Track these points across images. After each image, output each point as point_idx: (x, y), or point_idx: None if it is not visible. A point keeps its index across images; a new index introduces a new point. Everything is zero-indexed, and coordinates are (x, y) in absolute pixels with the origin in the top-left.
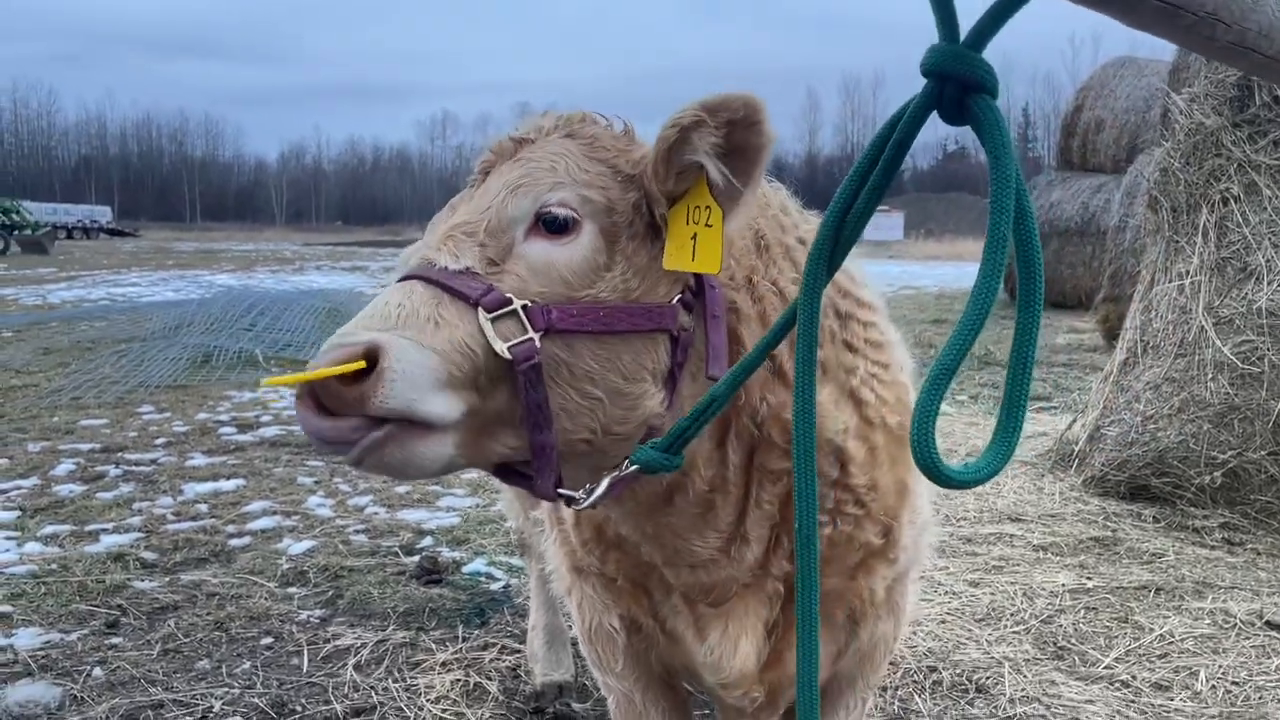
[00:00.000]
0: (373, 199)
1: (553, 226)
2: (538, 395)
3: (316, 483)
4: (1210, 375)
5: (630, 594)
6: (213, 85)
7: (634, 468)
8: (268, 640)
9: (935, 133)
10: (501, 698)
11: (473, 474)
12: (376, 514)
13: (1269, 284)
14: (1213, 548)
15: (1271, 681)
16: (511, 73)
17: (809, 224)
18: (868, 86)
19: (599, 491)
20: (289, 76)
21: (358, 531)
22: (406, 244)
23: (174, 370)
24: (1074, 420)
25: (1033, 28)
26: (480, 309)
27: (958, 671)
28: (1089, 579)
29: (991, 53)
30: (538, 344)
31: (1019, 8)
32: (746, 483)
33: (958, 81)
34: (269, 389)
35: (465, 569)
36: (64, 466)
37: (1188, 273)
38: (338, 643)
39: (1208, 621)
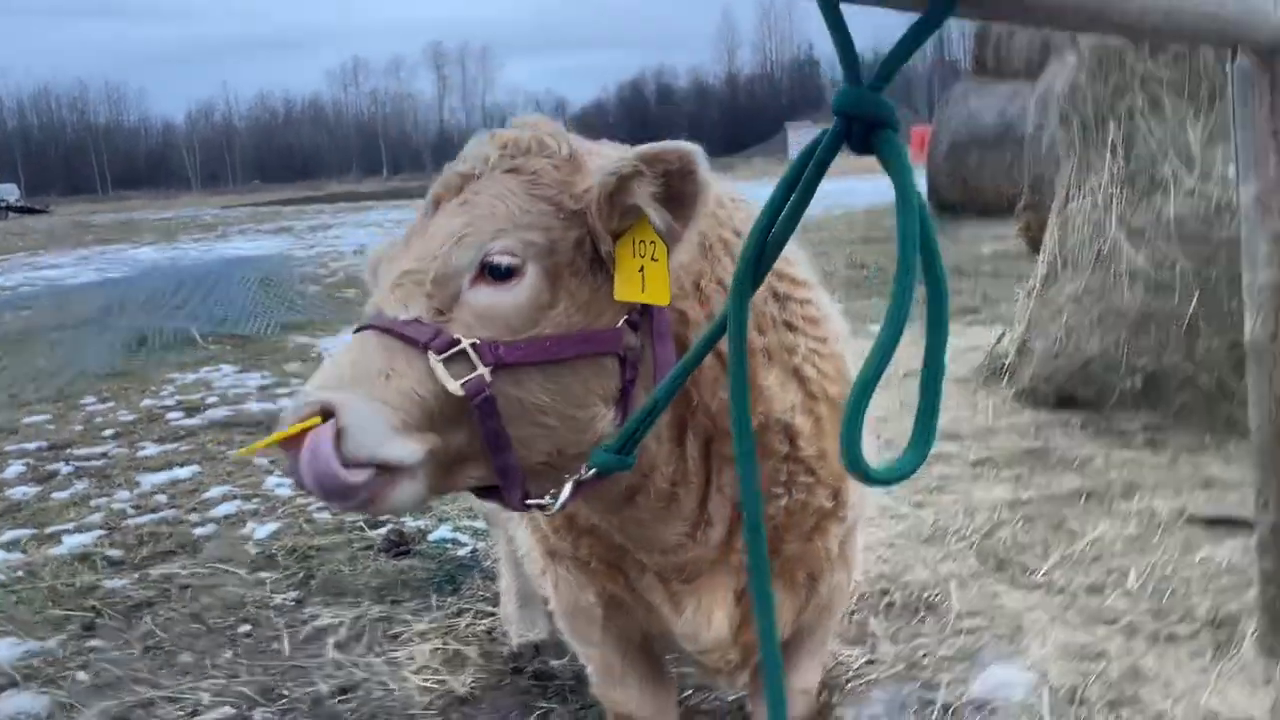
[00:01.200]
0: (289, 153)
1: (496, 273)
2: (494, 424)
3: (273, 462)
4: (1126, 285)
5: (605, 574)
6: (109, 48)
7: (591, 472)
8: (246, 628)
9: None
10: (481, 662)
11: None
12: None
13: (1176, 194)
14: (1137, 449)
15: (1196, 574)
16: (421, 11)
17: (741, 211)
18: (783, 3)
19: (564, 497)
20: (189, 32)
21: (320, 509)
22: (330, 200)
23: (111, 356)
24: (1003, 334)
25: None
26: (430, 352)
27: (908, 592)
28: (1024, 490)
29: None
30: (488, 378)
31: (912, 52)
32: (706, 471)
33: (863, 120)
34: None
35: (431, 537)
36: (13, 469)
37: (1100, 187)
38: (316, 624)
39: (1135, 522)
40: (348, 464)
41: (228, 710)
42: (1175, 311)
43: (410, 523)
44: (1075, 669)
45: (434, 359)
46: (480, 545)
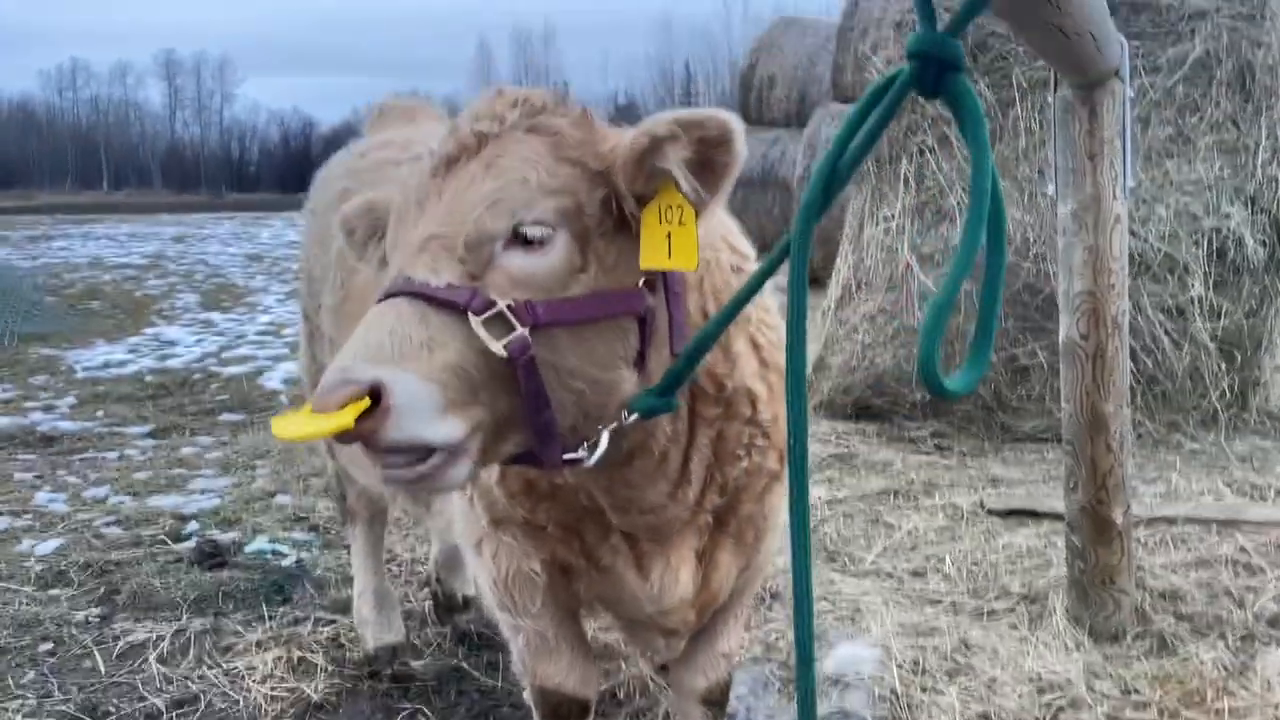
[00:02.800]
0: None
1: (528, 240)
2: (536, 383)
3: (38, 477)
4: (917, 305)
5: (560, 539)
6: None
7: (634, 416)
8: (47, 646)
9: (606, 85)
10: (331, 668)
11: (218, 453)
12: (122, 503)
13: (961, 223)
14: (928, 453)
15: (1002, 558)
16: (153, 15)
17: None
18: (539, 39)
19: (601, 447)
20: None
21: (108, 524)
22: (46, 210)
23: None
24: None
25: None
26: (470, 313)
27: None
28: (839, 490)
29: (652, 9)
30: (529, 337)
31: (987, 5)
32: (690, 431)
33: (937, 62)
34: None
35: (248, 549)
36: None
37: (893, 216)
38: (130, 639)
39: (941, 515)
40: (394, 448)
41: None
42: (960, 329)
43: (219, 535)
44: (913, 644)
45: (475, 320)
46: (305, 556)
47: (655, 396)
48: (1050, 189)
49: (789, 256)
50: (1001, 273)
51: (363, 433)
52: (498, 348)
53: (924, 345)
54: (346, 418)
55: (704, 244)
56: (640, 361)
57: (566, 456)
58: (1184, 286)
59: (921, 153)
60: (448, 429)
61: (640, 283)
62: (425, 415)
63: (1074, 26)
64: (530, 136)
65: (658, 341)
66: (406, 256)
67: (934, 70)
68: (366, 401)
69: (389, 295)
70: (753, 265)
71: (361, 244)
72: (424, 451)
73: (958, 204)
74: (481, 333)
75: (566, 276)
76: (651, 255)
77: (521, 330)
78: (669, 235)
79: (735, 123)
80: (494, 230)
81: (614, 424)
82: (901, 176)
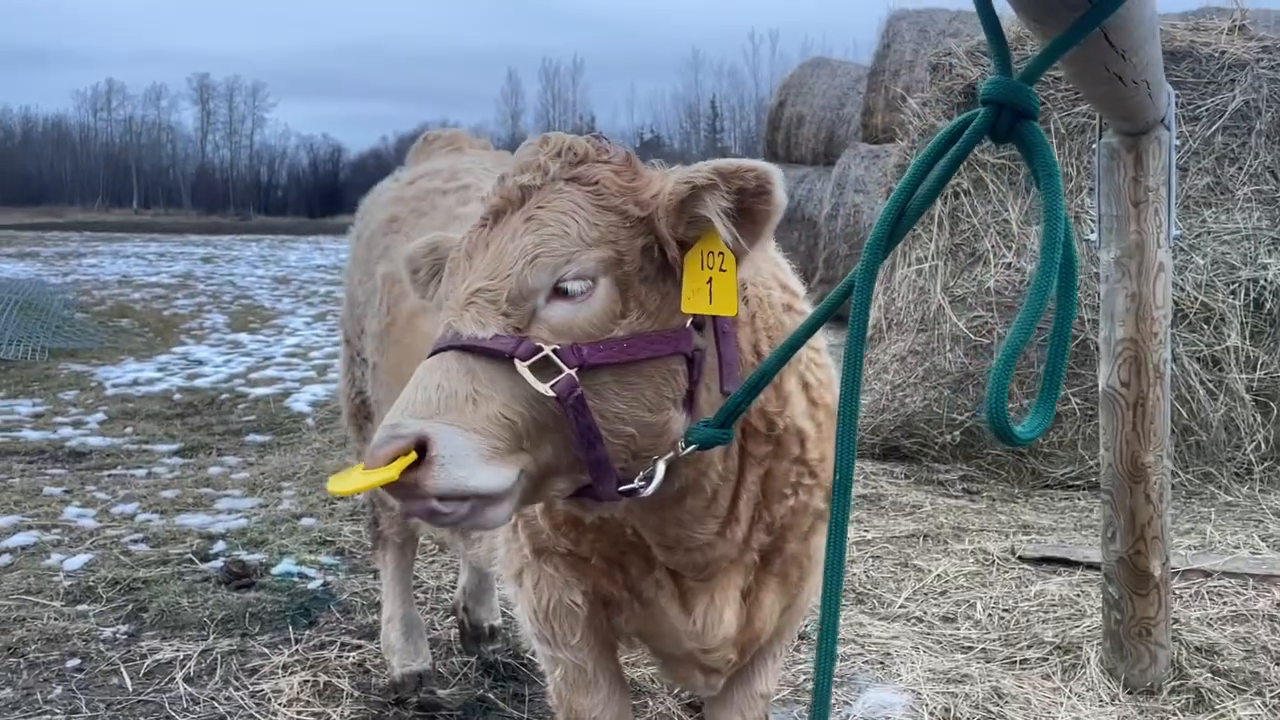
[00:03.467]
0: (26, 176)
1: (570, 292)
2: (588, 419)
3: (68, 492)
4: (948, 347)
5: (603, 572)
6: None
7: (691, 447)
8: (74, 662)
9: (632, 120)
10: (357, 694)
11: (244, 474)
12: (150, 521)
13: (994, 266)
14: (957, 497)
15: (1034, 606)
16: (186, 41)
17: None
18: (567, 73)
19: (658, 477)
20: None
21: (136, 541)
22: (75, 228)
23: None
24: None
25: (716, 24)
26: (517, 360)
27: None
28: (867, 532)
29: (681, 47)
30: (576, 378)
31: (1064, 53)
32: (740, 469)
33: (1011, 108)
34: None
35: (275, 570)
36: None
37: (926, 258)
38: (157, 657)
39: (972, 560)
40: (442, 497)
41: None
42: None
43: (245, 555)
44: (944, 691)
45: (521, 365)
46: (331, 579)
47: (714, 428)
48: (1091, 234)
49: (851, 294)
50: (1070, 320)
51: (408, 484)
52: (545, 389)
53: (993, 395)
54: (393, 472)
55: (755, 282)
56: (690, 401)
57: (623, 488)
58: (1220, 336)
59: (956, 195)
60: (493, 476)
61: (688, 323)
62: (469, 464)
63: (1133, 75)
64: (571, 187)
65: (708, 381)
66: (454, 310)
67: (1009, 118)
68: (413, 455)
69: (437, 350)
70: (803, 304)
71: (424, 284)
72: (470, 499)
73: (991, 247)
74: (528, 376)
75: (608, 323)
76: (693, 300)
77: (569, 371)
78: (710, 281)
79: (774, 173)
80: (535, 285)
81: (670, 454)
82: (936, 218)
